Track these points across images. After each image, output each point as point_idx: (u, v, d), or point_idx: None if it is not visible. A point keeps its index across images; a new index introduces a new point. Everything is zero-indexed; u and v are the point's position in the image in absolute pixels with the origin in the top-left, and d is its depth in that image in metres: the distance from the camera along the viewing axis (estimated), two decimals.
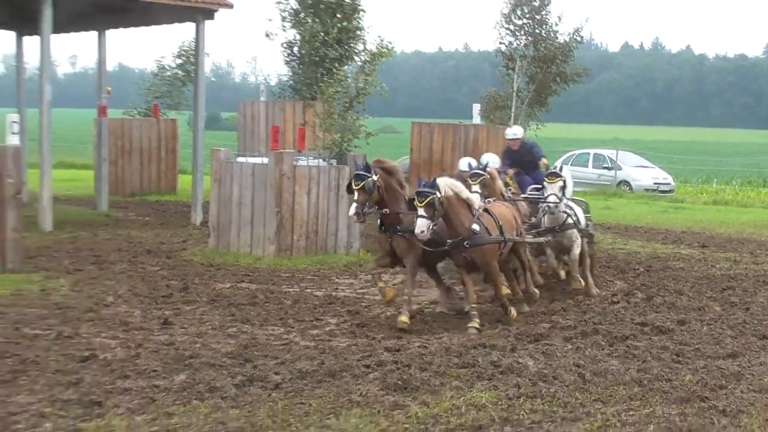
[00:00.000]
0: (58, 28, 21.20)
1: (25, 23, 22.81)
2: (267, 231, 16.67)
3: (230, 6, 22.69)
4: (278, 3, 28.40)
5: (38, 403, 8.00)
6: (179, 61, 32.94)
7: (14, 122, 16.27)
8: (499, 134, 24.69)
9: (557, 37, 33.86)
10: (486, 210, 11.77)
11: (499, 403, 8.48)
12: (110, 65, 24.41)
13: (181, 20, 24.06)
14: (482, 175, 13.19)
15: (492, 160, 15.09)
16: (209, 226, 18.10)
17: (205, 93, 23.80)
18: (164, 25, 25.86)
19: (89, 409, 7.86)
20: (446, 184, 11.14)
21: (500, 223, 11.66)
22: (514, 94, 33.07)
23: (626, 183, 38.29)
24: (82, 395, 8.25)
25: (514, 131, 15.74)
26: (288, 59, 28.53)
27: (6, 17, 18.84)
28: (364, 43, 26.35)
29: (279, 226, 16.53)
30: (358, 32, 27.78)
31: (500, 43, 34.21)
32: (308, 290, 14.34)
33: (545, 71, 33.36)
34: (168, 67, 33.43)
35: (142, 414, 7.78)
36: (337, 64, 26.79)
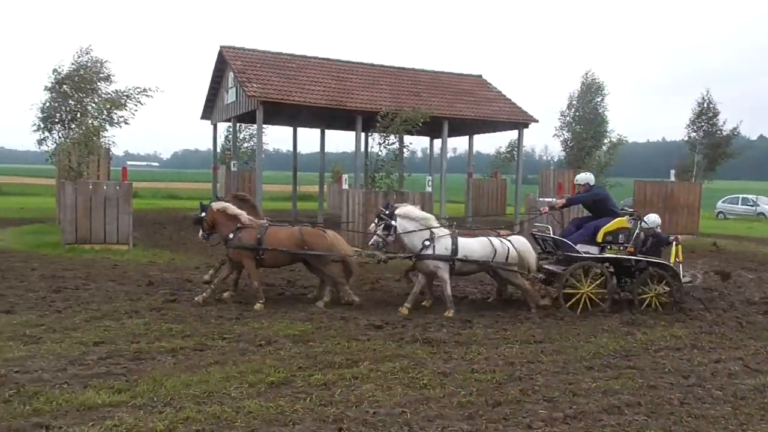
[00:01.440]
0: (450, 135, 21.81)
1: (433, 133, 23.73)
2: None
3: (537, 121, 22.24)
4: (559, 119, 27.52)
5: None
6: (508, 149, 32.54)
7: (429, 180, 16.98)
8: (687, 186, 22.23)
9: (722, 133, 30.12)
10: (258, 229, 8.67)
11: (689, 336, 7.69)
12: (475, 150, 24.86)
13: (511, 129, 23.73)
14: (385, 220, 8.67)
15: (653, 218, 9.64)
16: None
17: (522, 165, 23.45)
18: (502, 132, 25.66)
19: None
20: (216, 206, 8.71)
21: (262, 238, 8.50)
22: (695, 164, 29.70)
23: (762, 214, 33.79)
24: None
25: (578, 178, 9.78)
26: (564, 148, 27.50)
27: (425, 131, 19.95)
28: (609, 138, 24.92)
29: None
30: (605, 132, 26.26)
31: (687, 136, 30.87)
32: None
33: (714, 152, 29.78)
34: (501, 152, 33.12)
35: None
36: (592, 149, 25.44)
